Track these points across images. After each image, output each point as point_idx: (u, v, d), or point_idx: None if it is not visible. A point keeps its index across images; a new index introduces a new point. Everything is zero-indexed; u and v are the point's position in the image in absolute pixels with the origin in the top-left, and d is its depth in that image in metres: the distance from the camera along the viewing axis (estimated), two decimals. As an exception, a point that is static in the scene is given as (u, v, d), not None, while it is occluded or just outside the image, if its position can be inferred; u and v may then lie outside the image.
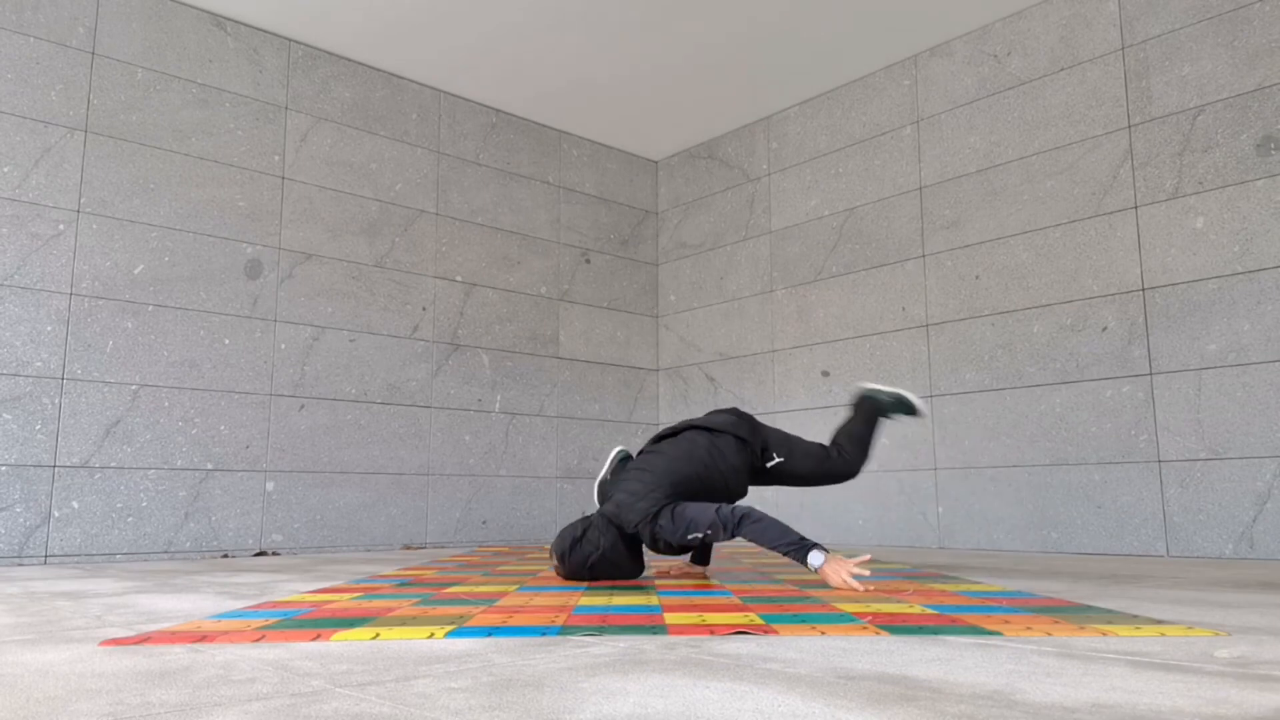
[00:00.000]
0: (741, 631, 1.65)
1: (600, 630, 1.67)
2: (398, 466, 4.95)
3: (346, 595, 2.33)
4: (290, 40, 4.84)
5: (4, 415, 3.78)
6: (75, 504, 3.91)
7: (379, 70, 5.18)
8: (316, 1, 4.51)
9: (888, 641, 1.53)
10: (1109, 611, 1.89)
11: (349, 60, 5.07)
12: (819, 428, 5.20)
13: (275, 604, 2.15)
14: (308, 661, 1.38)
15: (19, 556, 3.75)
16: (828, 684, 1.18)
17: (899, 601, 2.09)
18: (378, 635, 1.63)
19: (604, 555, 2.58)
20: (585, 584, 2.59)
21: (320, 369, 4.73)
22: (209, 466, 4.29)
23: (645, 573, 2.89)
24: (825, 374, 5.26)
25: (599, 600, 2.17)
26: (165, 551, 4.12)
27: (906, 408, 3.19)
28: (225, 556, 4.23)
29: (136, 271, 4.19)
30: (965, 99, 4.77)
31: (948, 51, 4.88)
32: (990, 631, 1.62)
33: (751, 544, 3.34)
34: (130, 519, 4.05)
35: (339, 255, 4.88)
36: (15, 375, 3.83)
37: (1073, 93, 4.35)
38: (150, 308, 4.21)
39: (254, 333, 4.52)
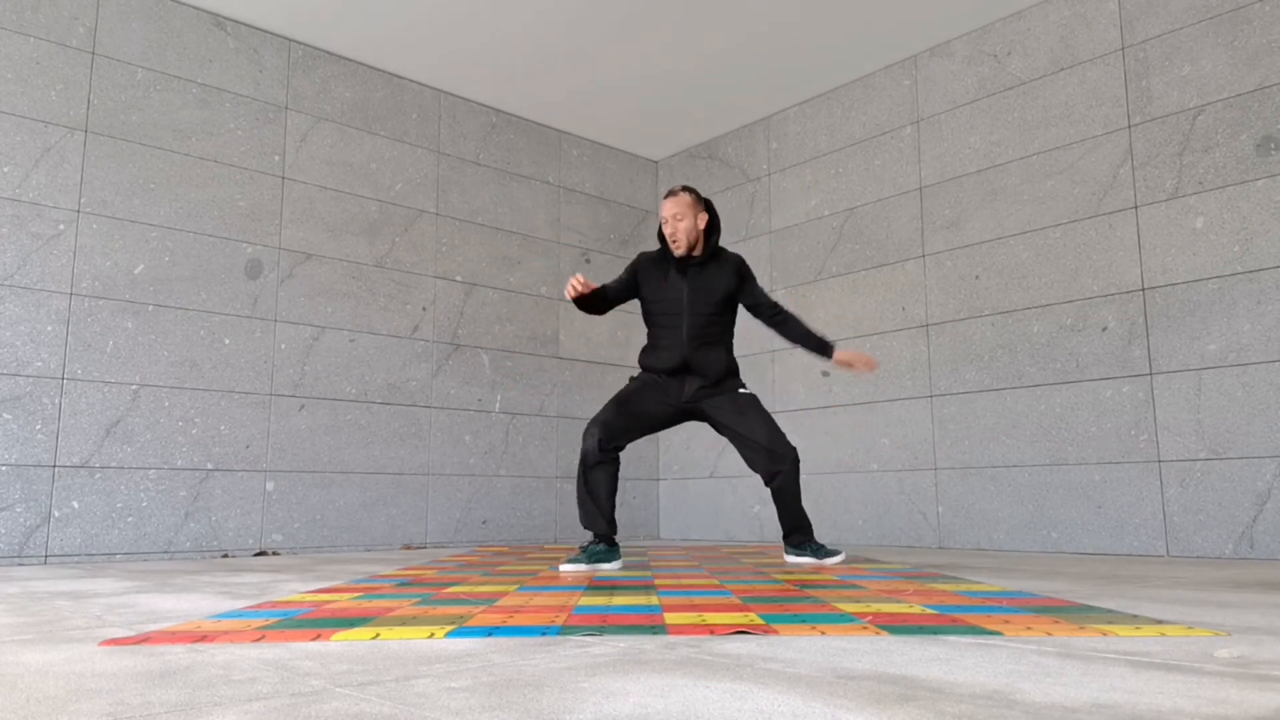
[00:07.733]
0: (741, 631, 1.65)
1: (600, 630, 1.67)
2: (398, 466, 4.95)
3: (346, 595, 2.33)
4: (290, 40, 4.84)
5: (4, 415, 3.78)
6: (75, 504, 3.91)
7: (379, 70, 5.18)
8: (316, 1, 4.51)
9: (888, 641, 1.53)
10: (1109, 611, 1.89)
11: (349, 60, 5.07)
12: (819, 427, 5.20)
13: (275, 604, 2.15)
14: (308, 661, 1.38)
15: (19, 556, 3.75)
16: (828, 684, 1.18)
17: (899, 601, 2.09)
18: (378, 635, 1.63)
19: None
20: (586, 582, 2.59)
21: (320, 369, 4.73)
22: (209, 466, 4.29)
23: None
24: (825, 374, 5.26)
25: (599, 600, 2.17)
26: (165, 551, 4.12)
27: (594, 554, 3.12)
28: (225, 556, 4.23)
29: (136, 271, 4.19)
30: (965, 99, 4.77)
31: (948, 51, 4.88)
32: (990, 631, 1.62)
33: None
34: (130, 519, 4.05)
35: (339, 255, 4.88)
36: (15, 375, 3.83)
37: (1073, 93, 4.35)
38: (150, 308, 4.21)
39: (254, 333, 4.52)
